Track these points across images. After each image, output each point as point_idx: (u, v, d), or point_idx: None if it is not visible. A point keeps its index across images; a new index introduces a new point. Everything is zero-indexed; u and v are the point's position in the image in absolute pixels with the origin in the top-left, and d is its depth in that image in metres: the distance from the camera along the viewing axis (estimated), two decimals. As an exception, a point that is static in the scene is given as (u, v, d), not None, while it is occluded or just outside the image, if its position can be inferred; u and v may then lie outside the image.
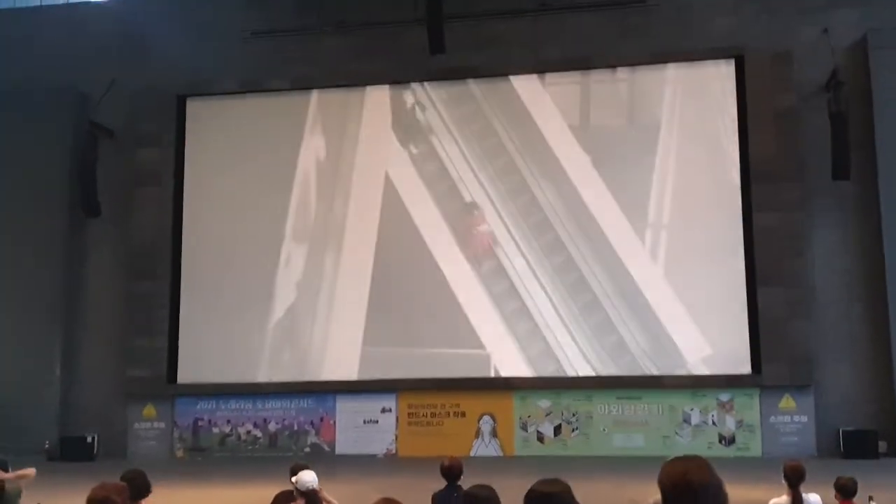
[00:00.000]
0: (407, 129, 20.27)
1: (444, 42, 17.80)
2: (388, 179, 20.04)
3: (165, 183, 20.76)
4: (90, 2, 22.21)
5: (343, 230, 20.10)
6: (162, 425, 20.18)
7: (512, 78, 19.93)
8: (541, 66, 19.91)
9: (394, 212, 19.89)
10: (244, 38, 20.69)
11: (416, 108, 20.24)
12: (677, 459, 3.03)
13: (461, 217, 19.63)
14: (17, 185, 20.82)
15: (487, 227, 19.36)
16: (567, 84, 19.96)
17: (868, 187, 18.33)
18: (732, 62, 19.30)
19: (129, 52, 20.78)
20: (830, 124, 17.78)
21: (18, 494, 6.36)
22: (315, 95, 20.80)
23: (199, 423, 20.11)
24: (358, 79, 20.54)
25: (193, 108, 21.29)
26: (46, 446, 19.28)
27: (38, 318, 20.50)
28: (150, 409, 20.15)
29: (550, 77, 19.90)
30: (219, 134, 20.99)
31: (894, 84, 18.32)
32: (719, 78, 19.40)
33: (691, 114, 19.36)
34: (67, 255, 21.00)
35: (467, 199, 19.60)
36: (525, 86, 19.88)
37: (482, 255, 19.36)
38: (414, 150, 20.10)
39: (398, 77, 20.38)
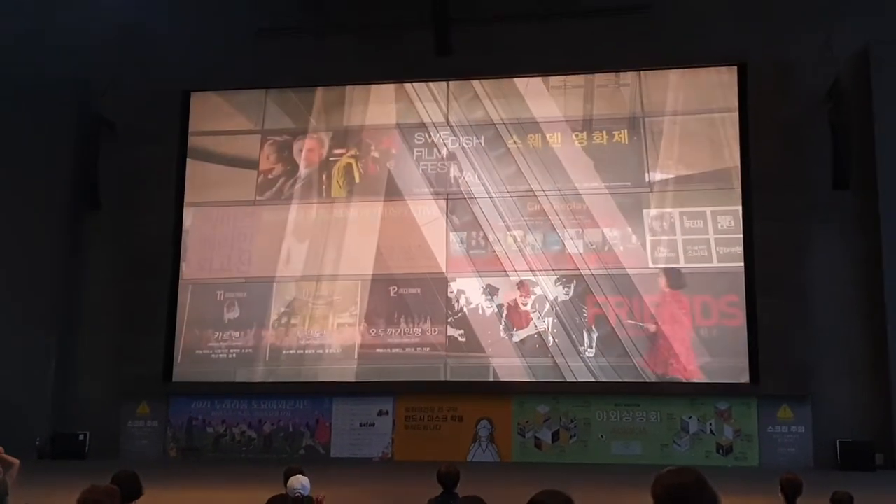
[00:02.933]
0: (410, 127, 20.26)
1: (450, 44, 17.81)
2: (391, 177, 20.04)
3: (167, 179, 20.67)
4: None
5: (345, 228, 20.04)
6: (155, 424, 20.03)
7: (516, 80, 19.97)
8: (545, 70, 19.90)
9: (396, 210, 19.89)
10: (249, 36, 20.64)
11: (420, 106, 20.25)
12: (672, 471, 2.99)
13: (466, 219, 19.61)
14: (17, 176, 20.62)
15: (494, 237, 19.37)
16: (570, 88, 19.94)
17: (869, 198, 18.28)
18: (735, 70, 19.32)
19: (134, 46, 20.63)
20: (831, 134, 17.78)
21: (6, 492, 6.25)
22: (319, 93, 20.80)
23: (194, 423, 19.97)
24: (362, 78, 20.53)
25: (197, 103, 21.26)
26: (37, 443, 19.12)
27: (34, 312, 20.25)
28: (143, 408, 20.05)
29: (554, 80, 19.91)
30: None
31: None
32: (721, 86, 19.39)
33: (693, 121, 19.34)
34: (65, 248, 20.83)
35: (469, 199, 19.60)
36: (528, 88, 19.91)
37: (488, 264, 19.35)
38: (417, 149, 20.10)
39: (403, 77, 20.38)
